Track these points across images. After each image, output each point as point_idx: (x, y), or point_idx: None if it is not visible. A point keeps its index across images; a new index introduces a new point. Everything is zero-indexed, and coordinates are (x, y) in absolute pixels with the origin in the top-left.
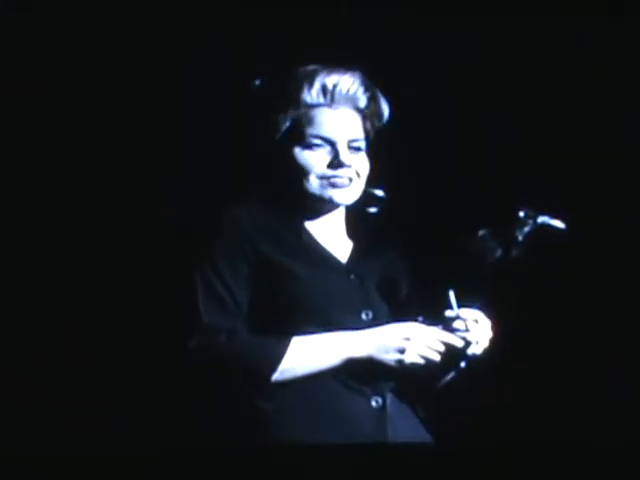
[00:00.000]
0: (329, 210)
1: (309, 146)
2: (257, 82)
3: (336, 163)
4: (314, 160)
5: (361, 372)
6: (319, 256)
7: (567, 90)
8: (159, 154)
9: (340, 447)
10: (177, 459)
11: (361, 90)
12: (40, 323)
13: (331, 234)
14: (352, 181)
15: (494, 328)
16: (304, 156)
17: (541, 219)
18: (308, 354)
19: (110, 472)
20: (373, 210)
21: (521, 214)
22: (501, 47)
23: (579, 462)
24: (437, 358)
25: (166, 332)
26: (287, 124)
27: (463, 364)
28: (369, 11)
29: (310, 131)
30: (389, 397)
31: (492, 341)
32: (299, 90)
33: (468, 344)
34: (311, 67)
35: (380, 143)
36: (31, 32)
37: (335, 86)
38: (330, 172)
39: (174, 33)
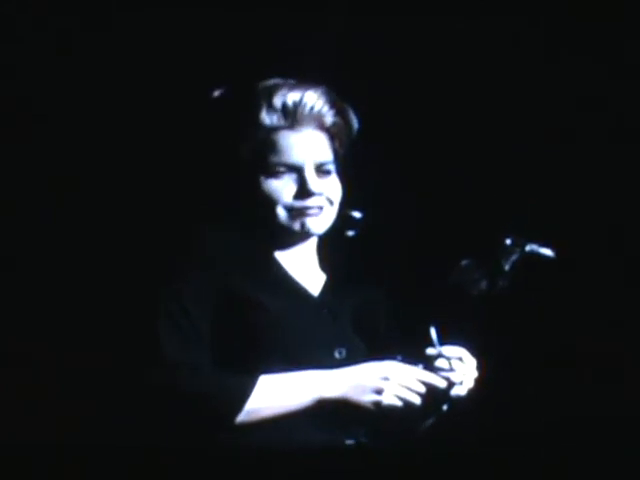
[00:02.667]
0: (300, 240)
1: (274, 174)
2: (214, 100)
3: (305, 193)
4: (280, 189)
5: (333, 414)
6: (290, 289)
7: (552, 113)
8: (128, 177)
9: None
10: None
11: (326, 107)
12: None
13: (303, 265)
14: (323, 209)
15: (480, 367)
16: (270, 185)
17: (529, 247)
18: (276, 394)
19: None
20: (351, 233)
21: (508, 242)
22: (484, 55)
23: None
24: (417, 400)
25: (126, 362)
26: (248, 150)
27: (445, 407)
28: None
29: (273, 157)
30: (362, 441)
31: (478, 381)
32: (257, 111)
33: (451, 385)
34: (270, 83)
35: (355, 167)
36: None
37: (297, 105)
38: (299, 203)
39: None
